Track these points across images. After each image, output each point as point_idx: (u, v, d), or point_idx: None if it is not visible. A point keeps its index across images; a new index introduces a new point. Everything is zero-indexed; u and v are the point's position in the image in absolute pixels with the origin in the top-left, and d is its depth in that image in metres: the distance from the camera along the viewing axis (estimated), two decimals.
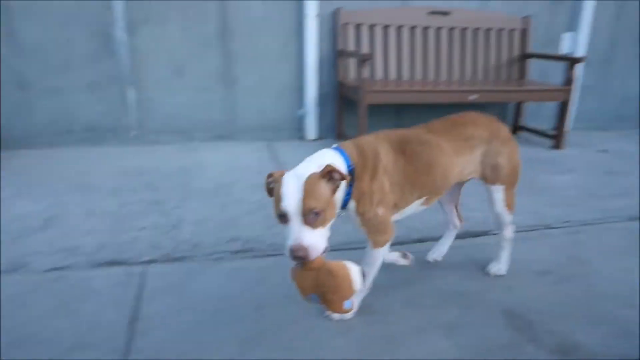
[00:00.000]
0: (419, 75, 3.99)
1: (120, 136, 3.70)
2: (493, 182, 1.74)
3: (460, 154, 1.67)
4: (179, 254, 2.02)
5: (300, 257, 1.27)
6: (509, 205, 1.79)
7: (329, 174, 1.32)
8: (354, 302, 1.36)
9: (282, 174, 1.36)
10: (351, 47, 3.79)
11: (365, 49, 3.81)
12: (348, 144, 1.53)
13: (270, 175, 1.40)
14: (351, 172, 1.45)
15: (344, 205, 1.47)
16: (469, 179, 1.79)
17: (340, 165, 1.43)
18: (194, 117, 3.81)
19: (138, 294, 1.71)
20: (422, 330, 1.54)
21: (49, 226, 2.25)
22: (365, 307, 1.62)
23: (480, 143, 1.69)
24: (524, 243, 2.14)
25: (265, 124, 3.92)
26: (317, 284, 1.30)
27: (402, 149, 1.58)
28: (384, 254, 1.59)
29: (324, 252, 1.32)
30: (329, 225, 1.34)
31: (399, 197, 1.58)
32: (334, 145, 1.53)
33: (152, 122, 3.75)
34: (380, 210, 1.50)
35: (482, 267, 1.92)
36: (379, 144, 1.55)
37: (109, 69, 3.54)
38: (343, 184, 1.40)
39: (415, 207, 1.67)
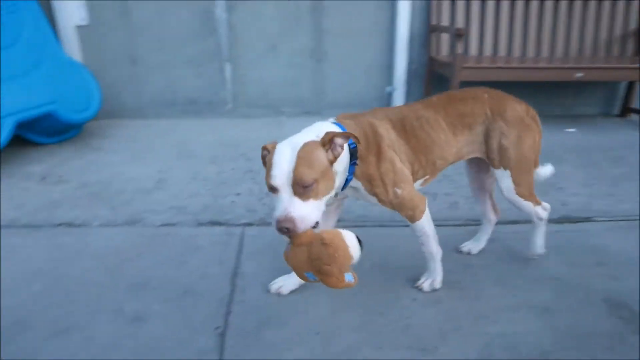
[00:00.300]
0: (517, 51, 3.76)
1: (217, 109, 3.95)
2: (498, 166, 1.58)
3: (457, 133, 1.55)
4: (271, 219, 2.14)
5: (286, 229, 1.17)
6: (524, 193, 1.61)
7: (330, 141, 1.24)
8: (355, 276, 1.22)
9: (276, 145, 1.30)
10: (445, 21, 3.66)
11: (460, 23, 3.66)
12: (348, 122, 1.42)
13: (265, 148, 1.34)
14: (354, 149, 1.35)
15: (345, 185, 1.40)
16: (471, 158, 1.64)
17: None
18: (283, 93, 3.94)
19: (238, 253, 1.86)
20: (513, 310, 1.52)
21: (160, 188, 2.50)
22: (454, 283, 1.63)
23: (481, 120, 1.56)
24: (635, 232, 1.99)
25: (352, 101, 3.95)
26: (311, 258, 1.17)
27: (402, 126, 1.49)
28: (428, 222, 1.51)
29: (314, 226, 1.22)
30: (323, 198, 1.25)
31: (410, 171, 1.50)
32: (332, 119, 1.43)
33: (245, 96, 3.94)
34: (398, 190, 1.43)
35: (581, 253, 1.82)
36: (378, 122, 1.46)
37: (209, 46, 3.77)
38: (345, 158, 1.33)
39: (416, 188, 1.56)
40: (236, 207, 2.27)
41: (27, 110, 2.78)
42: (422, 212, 1.50)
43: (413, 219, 1.49)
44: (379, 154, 1.40)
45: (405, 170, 1.46)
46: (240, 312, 1.52)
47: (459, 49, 3.19)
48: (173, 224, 2.10)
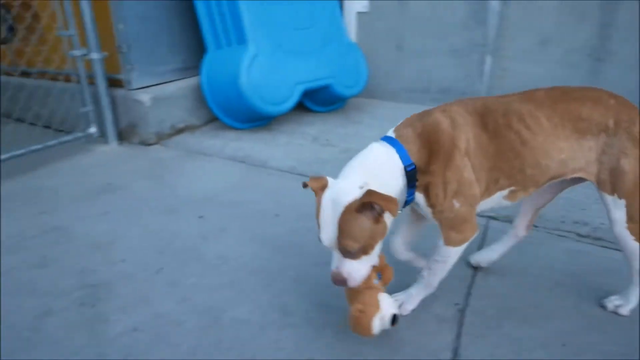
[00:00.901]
0: None
1: None
2: (610, 192, 1.29)
3: (564, 137, 1.25)
4: None
5: (339, 284, 1.23)
6: (637, 231, 1.31)
7: (368, 205, 1.14)
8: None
9: (322, 185, 1.22)
10: None
11: None
12: (408, 131, 1.26)
13: (312, 185, 1.23)
14: (412, 172, 1.22)
15: (407, 205, 1.30)
16: (575, 178, 1.33)
17: (393, 170, 1.22)
18: None
19: (481, 241, 1.87)
20: None
21: None
22: None
23: (598, 131, 1.25)
24: None
25: None
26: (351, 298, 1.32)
27: (483, 122, 1.25)
28: (458, 253, 1.33)
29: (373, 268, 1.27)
30: (376, 248, 1.22)
31: (483, 184, 1.27)
32: (390, 134, 1.27)
33: (501, 91, 3.75)
34: (457, 203, 1.23)
35: None
36: (455, 119, 1.24)
37: (475, 37, 3.74)
38: (397, 183, 1.22)
39: (497, 200, 1.33)
40: None
41: (313, 81, 3.32)
42: (464, 241, 1.31)
43: (450, 241, 1.31)
44: (448, 161, 1.22)
45: (474, 184, 1.25)
46: (480, 296, 1.55)
47: None
48: None
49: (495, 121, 1.25)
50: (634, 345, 1.33)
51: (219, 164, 2.79)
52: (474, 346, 1.34)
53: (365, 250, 1.19)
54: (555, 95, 1.30)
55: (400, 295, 1.47)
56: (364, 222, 1.15)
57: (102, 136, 3.19)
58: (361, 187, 1.15)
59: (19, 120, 3.18)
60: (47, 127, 3.23)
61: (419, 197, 1.28)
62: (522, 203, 1.60)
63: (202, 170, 2.71)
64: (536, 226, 1.99)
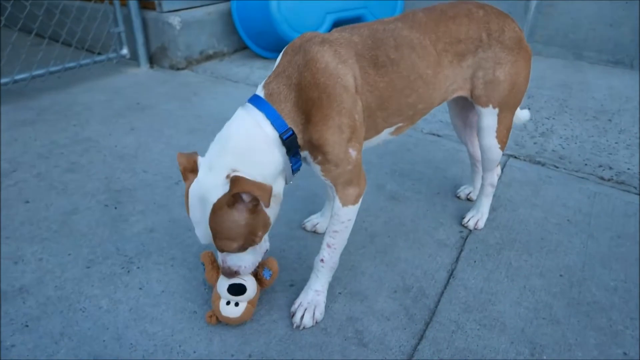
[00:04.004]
0: None
1: None
2: (485, 105, 1.28)
3: (448, 64, 1.18)
4: (540, 159, 2.01)
5: (232, 277, 1.12)
6: (501, 138, 1.36)
7: (237, 197, 0.96)
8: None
9: (191, 166, 1.03)
10: None
11: None
12: (279, 84, 1.02)
13: (181, 165, 1.04)
14: (290, 139, 1.02)
15: (295, 171, 1.09)
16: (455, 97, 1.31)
17: (266, 143, 1.00)
18: (593, 34, 3.39)
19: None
20: None
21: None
22: None
23: (474, 47, 1.21)
24: None
25: None
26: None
27: (372, 57, 1.07)
28: (356, 213, 1.14)
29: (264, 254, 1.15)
30: (263, 240, 1.11)
31: (369, 125, 1.13)
32: (260, 91, 1.05)
33: (544, 31, 3.56)
34: (353, 151, 1.06)
35: None
36: (338, 52, 1.04)
37: None
38: (274, 160, 1.03)
39: (383, 137, 1.22)
40: None
41: (343, 11, 3.21)
42: (362, 194, 1.14)
43: (348, 200, 1.11)
44: (337, 104, 1.01)
45: (362, 129, 1.08)
46: (485, 227, 1.55)
47: None
48: (438, 135, 2.21)
49: (386, 55, 1.09)
50: (634, 281, 1.33)
51: (245, 90, 2.81)
52: (471, 269, 1.37)
53: (247, 245, 1.05)
54: (435, 17, 1.19)
55: (301, 299, 1.21)
56: (238, 218, 0.98)
57: (134, 59, 3.24)
58: (228, 177, 0.96)
59: (53, 39, 3.25)
60: (80, 48, 3.29)
61: (306, 154, 1.09)
62: (460, 134, 1.61)
63: (228, 95, 2.74)
64: (556, 167, 1.95)
